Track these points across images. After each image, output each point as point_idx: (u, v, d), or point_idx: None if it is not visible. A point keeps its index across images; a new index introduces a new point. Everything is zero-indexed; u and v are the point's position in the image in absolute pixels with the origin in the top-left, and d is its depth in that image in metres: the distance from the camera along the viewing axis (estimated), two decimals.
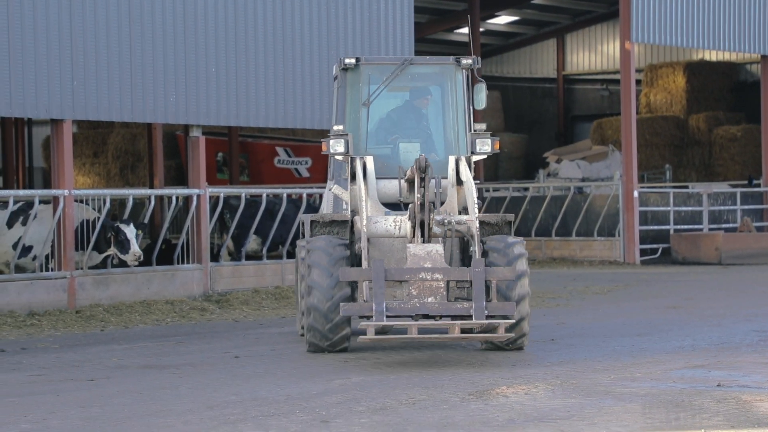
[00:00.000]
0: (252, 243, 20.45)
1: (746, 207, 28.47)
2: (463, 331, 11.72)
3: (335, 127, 13.12)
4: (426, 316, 11.86)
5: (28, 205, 17.90)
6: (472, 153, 13.16)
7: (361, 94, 13.55)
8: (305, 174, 32.02)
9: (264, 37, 19.54)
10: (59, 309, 16.78)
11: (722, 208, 28.28)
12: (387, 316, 11.67)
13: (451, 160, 13.04)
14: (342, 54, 20.71)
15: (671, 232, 26.99)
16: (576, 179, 30.99)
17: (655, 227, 27.14)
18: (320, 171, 32.08)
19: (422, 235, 12.22)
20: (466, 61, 13.54)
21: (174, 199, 19.17)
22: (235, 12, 19.13)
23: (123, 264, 17.77)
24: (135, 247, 17.46)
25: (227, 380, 11.20)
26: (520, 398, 10.00)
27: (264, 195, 20.12)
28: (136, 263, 17.63)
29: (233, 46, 19.10)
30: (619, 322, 15.78)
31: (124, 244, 17.48)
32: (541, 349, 13.05)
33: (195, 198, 18.78)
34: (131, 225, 17.60)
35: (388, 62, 13.82)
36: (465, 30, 34.71)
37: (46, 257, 17.53)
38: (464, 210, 12.84)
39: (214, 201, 19.66)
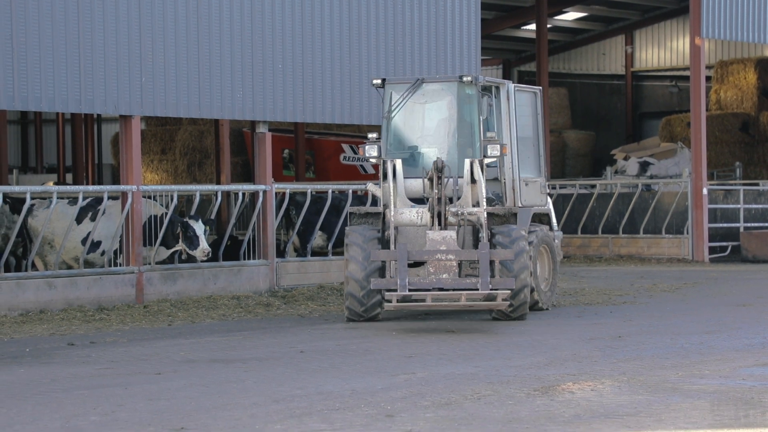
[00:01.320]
0: (317, 239, 20.51)
1: None
2: (469, 300, 14.31)
3: (370, 135, 15.99)
4: (441, 290, 14.54)
5: (97, 200, 18.09)
6: (484, 156, 15.49)
7: (385, 108, 16.21)
8: (371, 170, 32.04)
9: (330, 33, 19.59)
10: (127, 304, 16.95)
11: None
12: (409, 289, 14.37)
13: (467, 162, 15.54)
14: (408, 49, 20.70)
15: (741, 229, 26.63)
16: (644, 176, 30.68)
17: (725, 225, 26.78)
18: None
19: (439, 224, 14.86)
20: (467, 78, 15.86)
21: (240, 195, 19.28)
22: (302, 8, 19.19)
23: (190, 259, 17.90)
24: (204, 244, 17.60)
25: (293, 374, 11.24)
26: (586, 394, 9.92)
27: (329, 191, 20.16)
28: (205, 259, 17.76)
29: (300, 43, 19.17)
30: (688, 319, 15.60)
31: (192, 240, 17.62)
32: (608, 346, 12.94)
33: (261, 194, 18.87)
34: (200, 221, 17.73)
35: (406, 82, 16.24)
36: (532, 26, 34.53)
37: (115, 252, 17.72)
38: (477, 204, 15.41)
39: (280, 197, 19.74)
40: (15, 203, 18.60)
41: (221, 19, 18.17)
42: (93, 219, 17.83)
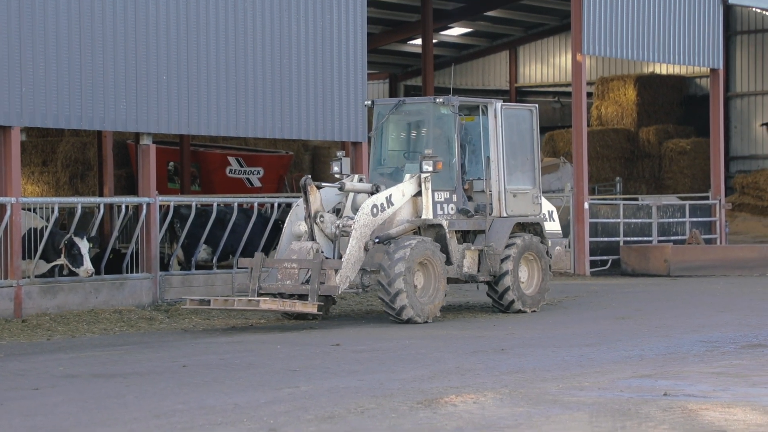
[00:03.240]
0: (202, 252, 20.33)
1: (695, 219, 28.72)
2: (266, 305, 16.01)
3: (338, 153, 17.92)
4: (293, 295, 16.49)
5: None
6: (421, 171, 17.14)
7: (372, 126, 18.15)
8: (257, 184, 31.92)
9: (216, 44, 19.46)
10: (5, 318, 16.59)
11: (671, 220, 28.49)
12: (259, 293, 16.42)
13: (406, 176, 17.29)
14: (294, 62, 20.67)
15: (621, 243, 27.16)
16: None
17: (605, 239, 27.27)
18: (272, 181, 32.00)
19: (311, 236, 16.72)
20: (439, 99, 17.53)
21: (124, 207, 19.04)
22: (187, 19, 19.04)
23: (71, 273, 17.60)
24: (88, 263, 17.25)
25: (174, 389, 11.11)
26: (469, 407, 10.00)
27: (215, 204, 20.03)
28: (88, 277, 17.47)
29: (185, 54, 19.01)
30: (569, 332, 15.84)
31: (76, 258, 17.30)
32: (491, 359, 13.07)
33: (145, 207, 18.66)
34: (85, 239, 17.40)
35: (390, 103, 18.24)
36: (419, 41, 34.80)
37: None
38: (419, 216, 17.21)
39: (164, 210, 19.53)
40: None
41: (104, 28, 17.93)
42: None
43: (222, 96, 19.48)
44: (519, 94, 39.87)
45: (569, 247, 26.15)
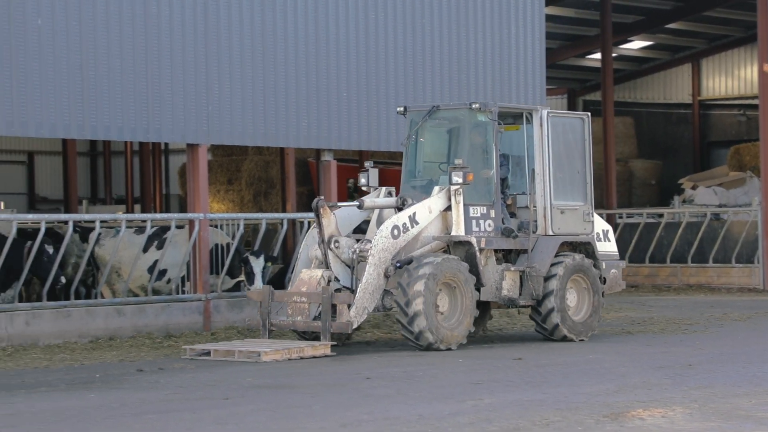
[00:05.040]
0: None
1: None
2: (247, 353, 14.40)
3: (366, 164, 16.50)
4: (302, 333, 15.33)
5: (162, 230, 18.25)
6: (450, 183, 15.55)
7: (406, 134, 16.55)
8: None
9: (395, 61, 19.64)
10: (195, 331, 17.03)
11: None
12: (269, 330, 15.19)
13: (435, 189, 15.72)
14: (472, 77, 20.69)
15: None
16: (712, 205, 30.34)
17: None
18: None
19: (325, 263, 15.34)
20: (476, 105, 15.91)
21: (306, 223, 19.34)
22: (367, 37, 19.28)
23: None
24: (258, 283, 17.41)
25: (359, 400, 11.21)
26: (657, 421, 9.78)
27: None
28: None
29: (364, 71, 19.24)
30: (760, 348, 15.34)
31: (250, 276, 17.63)
32: (678, 374, 12.76)
33: None
34: (261, 257, 17.65)
35: (424, 109, 16.49)
36: (598, 55, 34.40)
37: (182, 279, 17.83)
38: (448, 232, 15.57)
39: None
40: (84, 232, 18.82)
41: (287, 48, 18.30)
42: (159, 247, 17.98)
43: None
44: (702, 107, 38.95)
45: (758, 262, 25.38)
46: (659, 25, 35.10)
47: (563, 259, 16.10)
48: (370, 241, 15.28)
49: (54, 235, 18.29)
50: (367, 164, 16.43)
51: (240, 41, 17.78)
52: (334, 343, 15.10)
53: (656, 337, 16.81)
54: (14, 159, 36.76)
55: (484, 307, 16.50)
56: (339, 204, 16.22)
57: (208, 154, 27.15)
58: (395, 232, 15.24)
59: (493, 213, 15.96)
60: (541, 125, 16.30)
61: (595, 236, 16.89)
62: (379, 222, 15.79)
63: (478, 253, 15.60)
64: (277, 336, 15.71)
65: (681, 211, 28.65)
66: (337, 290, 15.30)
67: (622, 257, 27.52)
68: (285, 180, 25.80)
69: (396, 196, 16.14)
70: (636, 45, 37.52)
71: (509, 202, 16.51)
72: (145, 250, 18.01)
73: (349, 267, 15.50)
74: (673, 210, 29.07)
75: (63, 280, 17.08)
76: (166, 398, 11.54)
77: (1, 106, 15.47)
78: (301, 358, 14.33)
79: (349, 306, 14.82)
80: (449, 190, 15.57)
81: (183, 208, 30.39)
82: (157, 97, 16.87)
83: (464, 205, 15.63)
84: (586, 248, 16.68)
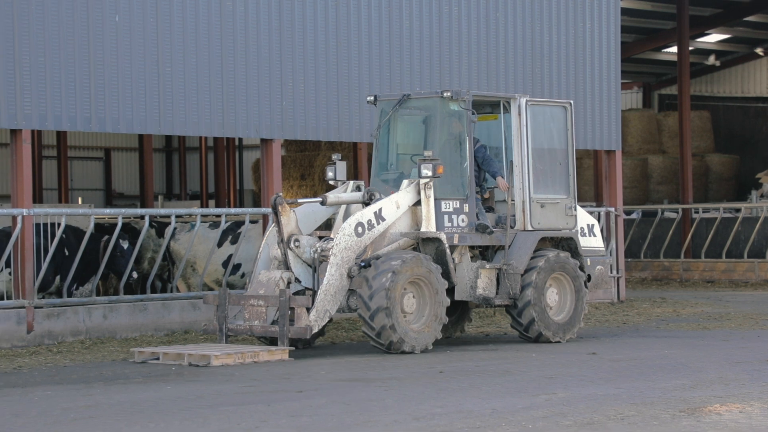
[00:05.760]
0: None
1: None
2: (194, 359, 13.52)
3: (333, 156, 15.55)
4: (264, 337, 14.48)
5: (237, 224, 18.39)
6: (419, 177, 14.65)
7: (375, 125, 15.67)
8: None
9: (468, 56, 19.59)
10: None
11: None
12: (226, 336, 14.28)
13: (404, 183, 14.82)
14: (546, 71, 20.58)
15: None
16: None
17: None
18: None
19: (285, 263, 14.44)
20: (447, 93, 15.00)
21: None
22: (440, 31, 19.25)
23: None
24: None
25: (432, 393, 11.21)
26: (734, 416, 9.66)
27: None
28: None
29: (437, 65, 19.22)
30: None
31: None
32: (756, 369, 12.59)
33: None
34: None
35: (394, 98, 15.56)
36: (674, 49, 34.02)
37: None
38: (417, 228, 14.72)
39: None
40: (160, 227, 19.04)
41: (360, 43, 18.34)
42: (234, 242, 18.12)
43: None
44: None
45: None
46: (738, 17, 34.61)
47: (543, 256, 15.22)
48: (333, 240, 14.39)
49: (130, 231, 18.53)
50: (334, 156, 15.54)
51: (314, 37, 17.86)
52: (292, 348, 14.05)
53: (733, 333, 16.60)
54: (92, 155, 37.29)
55: (463, 307, 15.89)
56: (299, 200, 15.30)
57: (282, 149, 27.31)
58: (359, 229, 14.35)
59: (467, 207, 15.07)
60: (519, 114, 15.43)
61: (579, 231, 16.02)
62: (347, 219, 14.75)
63: (448, 251, 14.73)
64: (251, 341, 15.07)
65: (759, 205, 28.24)
66: (299, 292, 14.51)
67: (697, 253, 27.44)
68: (357, 175, 25.86)
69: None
70: (713, 38, 37.04)
71: (486, 195, 15.70)
72: (220, 244, 18.18)
73: (311, 267, 14.57)
74: (751, 204, 28.67)
75: (135, 275, 17.29)
76: (241, 391, 11.64)
77: (80, 103, 15.69)
78: (255, 362, 13.51)
79: (308, 309, 13.94)
80: (418, 183, 14.69)
81: (257, 203, 30.64)
82: (232, 92, 17.00)
83: (435, 199, 14.79)
84: (568, 244, 15.81)
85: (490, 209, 15.73)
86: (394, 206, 14.63)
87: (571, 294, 15.57)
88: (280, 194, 14.62)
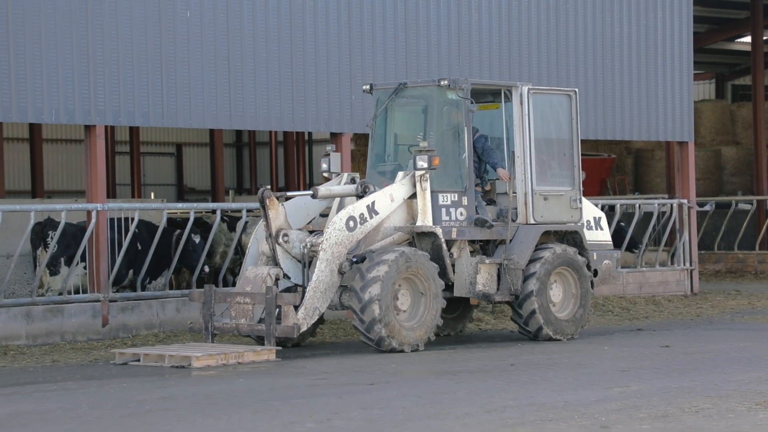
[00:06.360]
0: None
1: None
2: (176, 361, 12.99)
3: (327, 148, 15.16)
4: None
5: None
6: (414, 168, 14.10)
7: (374, 114, 15.12)
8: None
9: (537, 46, 19.49)
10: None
11: None
12: (213, 334, 13.83)
13: (399, 175, 14.28)
14: (617, 62, 20.41)
15: None
16: None
17: None
18: (593, 184, 31.69)
19: (274, 259, 13.87)
20: (444, 81, 14.42)
21: None
22: (509, 22, 19.17)
23: None
24: None
25: (504, 386, 11.18)
26: None
27: None
28: None
29: (507, 56, 19.15)
30: None
31: None
32: None
33: None
34: None
35: (390, 87, 14.99)
36: (747, 39, 33.55)
37: None
38: (413, 221, 14.17)
39: None
40: (231, 221, 19.18)
41: (429, 35, 18.32)
42: None
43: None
44: None
45: None
46: None
47: (543, 253, 14.62)
48: (323, 234, 13.77)
49: (202, 225, 18.69)
50: (328, 148, 15.08)
51: (383, 30, 17.87)
52: (279, 348, 13.51)
53: None
54: (164, 151, 37.67)
55: (465, 303, 15.44)
56: (288, 193, 14.73)
57: (351, 143, 27.40)
58: (351, 223, 13.76)
59: (465, 200, 14.48)
60: (521, 103, 14.83)
61: (586, 224, 15.41)
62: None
63: (444, 245, 14.20)
64: (248, 341, 14.51)
65: None
66: (288, 289, 14.01)
67: (766, 245, 27.01)
68: None
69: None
70: None
71: (488, 188, 15.14)
72: None
73: (301, 263, 13.97)
74: None
75: (207, 269, 17.43)
76: (312, 383, 11.70)
77: (152, 98, 15.87)
78: (239, 363, 12.99)
79: (296, 307, 13.41)
80: (414, 175, 14.11)
81: None
82: (302, 86, 17.08)
83: (433, 192, 14.24)
84: (573, 238, 15.21)
85: (491, 202, 15.21)
86: (388, 199, 14.08)
87: (576, 290, 14.98)
88: (268, 187, 14.03)
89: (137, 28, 15.73)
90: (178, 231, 17.24)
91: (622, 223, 20.64)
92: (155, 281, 17.46)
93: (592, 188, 31.41)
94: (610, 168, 32.76)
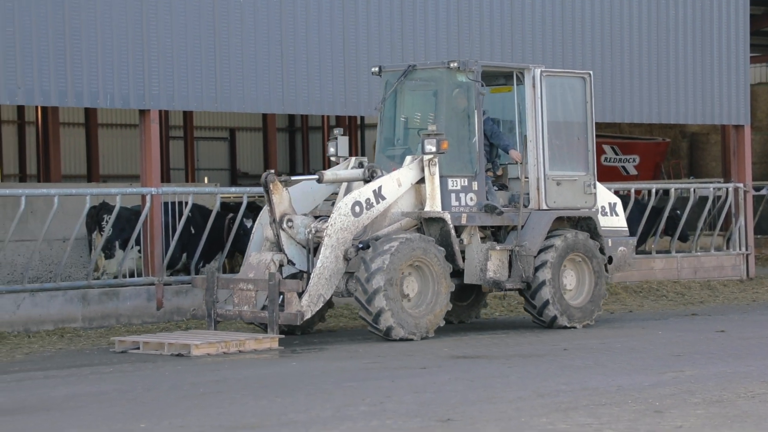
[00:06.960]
0: None
1: None
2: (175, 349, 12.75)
3: (335, 131, 14.77)
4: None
5: None
6: (423, 153, 13.76)
7: (382, 97, 14.75)
8: (633, 172, 31.48)
9: (591, 27, 19.37)
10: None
11: None
12: (215, 321, 13.59)
13: (407, 159, 13.91)
14: (672, 45, 20.22)
15: None
16: None
17: None
18: (648, 168, 31.48)
19: (278, 245, 13.64)
20: (454, 64, 14.07)
21: None
22: (563, 7, 19.08)
23: None
24: None
25: (556, 370, 11.16)
26: None
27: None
28: None
29: (560, 38, 19.04)
30: None
31: None
32: None
33: None
34: None
35: (400, 69, 14.65)
36: None
37: None
38: (422, 207, 13.87)
39: None
40: None
41: (482, 22, 18.25)
42: None
43: (597, 81, 19.35)
44: None
45: None
46: None
47: (555, 240, 14.32)
48: (328, 219, 13.50)
49: (255, 209, 18.75)
50: (336, 131, 14.72)
51: (435, 14, 17.83)
52: (282, 335, 13.28)
53: None
54: (217, 135, 37.86)
55: (477, 291, 15.08)
56: (293, 178, 14.39)
57: None
58: (356, 208, 13.46)
59: (475, 185, 14.15)
60: (533, 86, 14.51)
61: (600, 210, 15.11)
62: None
63: (453, 232, 13.87)
64: (252, 328, 14.35)
65: None
66: (293, 275, 13.76)
67: None
68: None
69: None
70: None
71: (500, 173, 14.82)
72: None
73: (305, 249, 13.75)
74: None
75: None
76: (365, 367, 11.74)
77: (205, 83, 15.95)
78: (240, 351, 12.74)
79: (300, 294, 13.14)
80: (422, 160, 13.78)
81: None
82: (354, 71, 17.09)
83: (442, 177, 13.90)
84: (587, 224, 14.90)
85: (503, 187, 14.87)
86: (396, 184, 13.75)
87: (590, 277, 14.68)
88: (272, 171, 13.82)
89: (191, 13, 15.81)
90: (230, 215, 17.32)
91: (678, 210, 20.47)
92: (208, 265, 17.57)
93: (647, 172, 31.19)
94: (665, 152, 32.48)
